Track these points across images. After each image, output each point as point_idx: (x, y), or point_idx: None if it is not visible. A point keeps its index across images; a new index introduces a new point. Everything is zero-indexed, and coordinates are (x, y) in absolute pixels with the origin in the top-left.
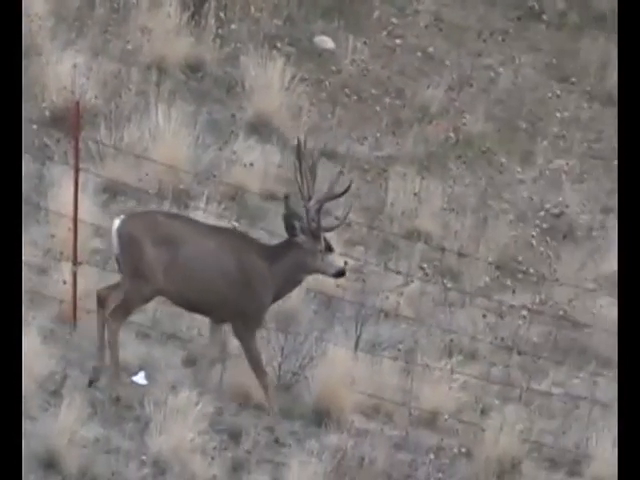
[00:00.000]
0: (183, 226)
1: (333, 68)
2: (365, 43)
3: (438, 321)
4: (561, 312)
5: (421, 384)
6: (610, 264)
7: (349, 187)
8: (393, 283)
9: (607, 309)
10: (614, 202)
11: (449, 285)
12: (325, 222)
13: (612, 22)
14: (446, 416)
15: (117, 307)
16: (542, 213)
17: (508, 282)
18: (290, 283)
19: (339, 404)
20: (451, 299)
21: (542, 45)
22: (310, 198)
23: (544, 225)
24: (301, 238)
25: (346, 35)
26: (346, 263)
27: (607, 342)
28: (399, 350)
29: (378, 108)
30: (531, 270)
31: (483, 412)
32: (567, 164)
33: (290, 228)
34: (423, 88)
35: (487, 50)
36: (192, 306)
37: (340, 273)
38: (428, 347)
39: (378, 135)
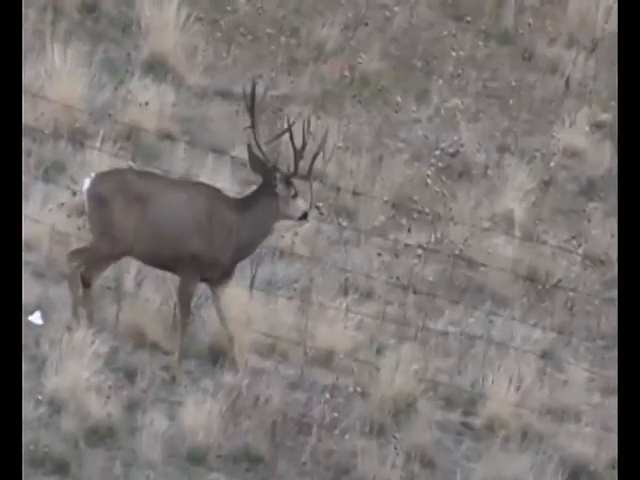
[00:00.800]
0: (153, 183)
1: (228, 8)
2: None
3: (333, 260)
4: (457, 251)
5: (316, 323)
6: (505, 203)
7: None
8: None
9: (502, 248)
10: (509, 141)
11: (344, 224)
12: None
13: None
14: (341, 355)
15: (87, 267)
16: (437, 152)
17: (403, 221)
18: (261, 234)
19: (235, 343)
20: (346, 238)
21: None
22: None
23: (439, 164)
24: (278, 187)
25: None
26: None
27: (502, 281)
28: (294, 289)
29: (273, 47)
30: (426, 209)
31: (378, 351)
32: (462, 103)
33: (267, 177)
34: (318, 27)
35: None
36: (161, 263)
37: (304, 216)
38: (323, 286)
39: (273, 74)
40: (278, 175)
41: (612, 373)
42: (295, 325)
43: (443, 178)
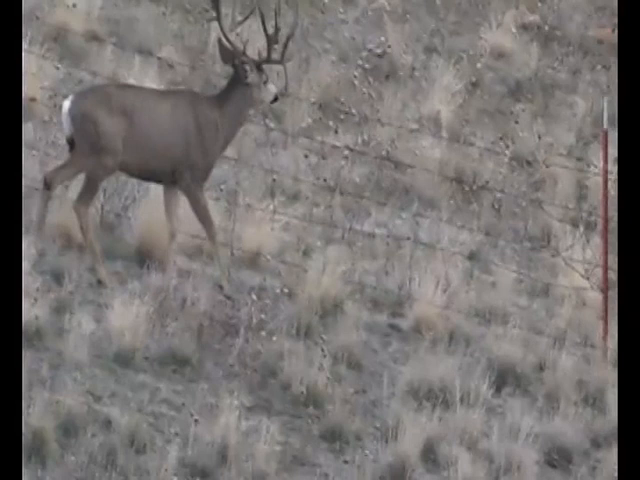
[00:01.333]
0: (135, 95)
1: None
2: None
3: (260, 162)
4: (383, 152)
5: (243, 225)
6: (432, 104)
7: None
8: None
9: (429, 149)
10: (436, 42)
11: (271, 125)
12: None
13: None
14: (268, 257)
15: (81, 192)
16: (364, 53)
17: (330, 122)
18: (238, 123)
19: (161, 245)
20: (273, 139)
21: None
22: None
23: (366, 65)
24: (250, 75)
25: None
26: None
27: (429, 182)
28: (221, 190)
29: None
30: (353, 110)
31: (305, 253)
32: (389, 4)
33: (237, 68)
34: None
35: None
36: (150, 175)
37: (276, 98)
38: (250, 188)
39: None
40: (249, 63)
41: (539, 274)
42: (222, 226)
43: (370, 79)
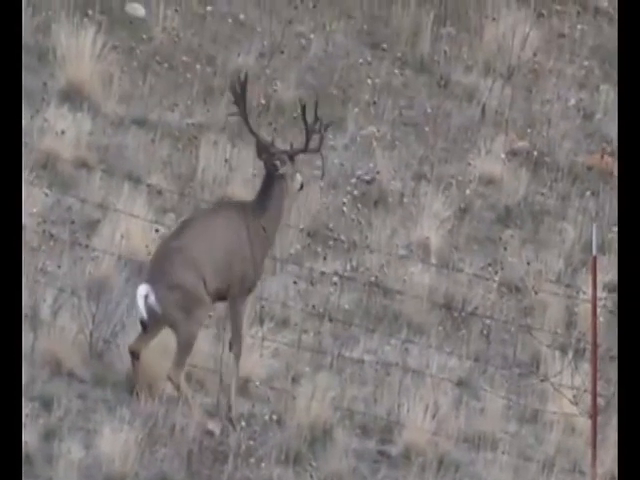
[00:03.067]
0: (193, 229)
1: (144, 36)
2: (176, 11)
3: None
4: (372, 279)
5: None
6: (421, 230)
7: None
8: None
9: (419, 276)
10: (425, 169)
11: None
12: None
13: None
14: (257, 383)
15: (176, 358)
16: (353, 180)
17: (319, 249)
18: (279, 220)
19: (151, 371)
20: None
21: (353, 12)
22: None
23: (355, 192)
24: (284, 167)
25: (157, 2)
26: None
27: (419, 309)
28: (210, 317)
29: (189, 76)
30: (342, 237)
31: (294, 379)
32: (378, 131)
33: (268, 163)
34: (234, 55)
35: (298, 17)
36: (220, 296)
37: (302, 186)
38: None
39: (189, 103)
40: (284, 154)
41: (528, 400)
42: (211, 353)
43: (359, 206)
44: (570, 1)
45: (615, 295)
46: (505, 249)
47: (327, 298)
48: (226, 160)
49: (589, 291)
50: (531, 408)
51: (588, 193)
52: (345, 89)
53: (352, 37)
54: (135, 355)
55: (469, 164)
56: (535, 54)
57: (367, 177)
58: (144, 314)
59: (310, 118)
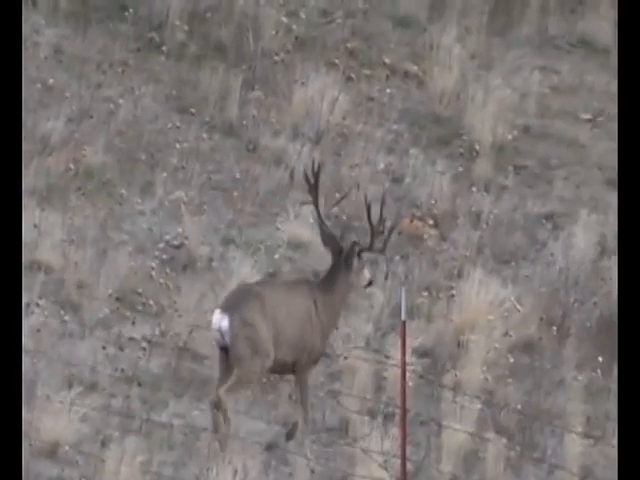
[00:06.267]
0: (273, 291)
1: None
2: None
3: (59, 353)
4: (181, 343)
5: (42, 415)
6: None
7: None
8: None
9: None
10: (233, 233)
11: (68, 317)
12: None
13: (232, 53)
14: (67, 447)
15: (231, 385)
16: (162, 244)
17: (128, 313)
18: (341, 306)
19: None
20: (71, 331)
21: (162, 76)
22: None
23: (164, 256)
24: (354, 261)
25: None
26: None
27: None
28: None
29: None
30: (151, 301)
31: (103, 443)
32: (187, 195)
33: (336, 253)
34: (44, 120)
35: (107, 81)
36: (281, 369)
37: (370, 283)
38: (49, 379)
39: None
40: (356, 249)
41: (337, 465)
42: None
43: (167, 270)
44: (379, 65)
45: (425, 360)
46: None
47: (136, 362)
48: (35, 225)
49: (398, 356)
50: (340, 473)
51: (397, 257)
52: (153, 153)
53: (160, 101)
54: (217, 406)
55: (277, 228)
56: (344, 118)
57: (175, 241)
58: (219, 338)
59: (375, 219)
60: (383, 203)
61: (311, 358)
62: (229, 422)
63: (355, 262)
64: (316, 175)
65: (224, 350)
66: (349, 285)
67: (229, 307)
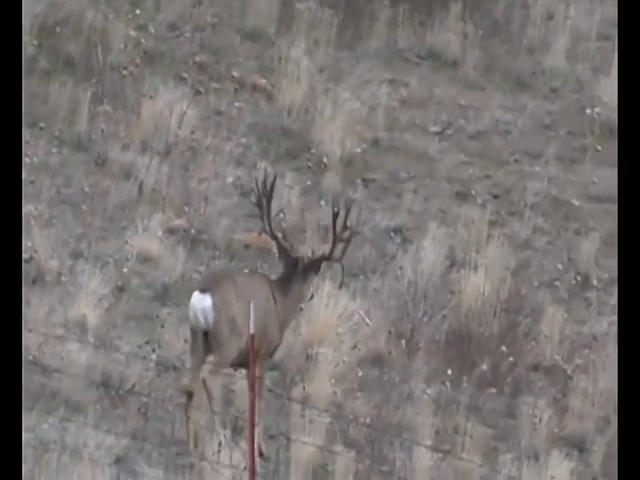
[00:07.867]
0: (239, 277)
1: None
2: None
3: None
4: (31, 357)
5: None
6: (78, 309)
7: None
8: None
9: (76, 354)
10: (82, 247)
11: None
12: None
13: (81, 67)
14: None
15: (213, 367)
16: None
17: None
18: (293, 314)
19: None
20: None
21: None
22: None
23: None
24: (312, 273)
25: None
26: None
27: (76, 387)
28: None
29: None
30: None
31: None
32: (36, 209)
33: (289, 264)
34: None
35: None
36: (243, 360)
37: (311, 296)
38: None
39: None
40: (313, 260)
41: (186, 478)
42: None
43: None
44: (227, 79)
45: (274, 373)
46: (162, 327)
47: None
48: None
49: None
50: None
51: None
52: None
53: None
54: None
55: (126, 242)
56: (193, 131)
57: (25, 255)
58: (201, 319)
59: (339, 227)
60: (348, 212)
61: (269, 349)
62: (214, 401)
63: (313, 275)
64: (272, 188)
65: (201, 334)
66: (301, 296)
67: (208, 287)
